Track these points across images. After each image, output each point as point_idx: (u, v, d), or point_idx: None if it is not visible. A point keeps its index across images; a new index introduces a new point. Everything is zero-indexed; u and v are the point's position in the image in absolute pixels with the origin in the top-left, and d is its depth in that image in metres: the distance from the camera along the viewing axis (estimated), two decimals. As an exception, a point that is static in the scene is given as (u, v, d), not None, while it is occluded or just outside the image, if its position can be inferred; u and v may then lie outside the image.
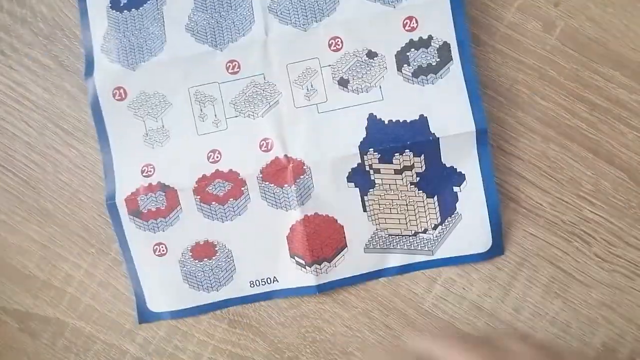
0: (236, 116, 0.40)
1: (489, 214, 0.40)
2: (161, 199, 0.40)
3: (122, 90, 0.41)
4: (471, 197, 0.40)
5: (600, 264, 0.40)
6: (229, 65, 0.40)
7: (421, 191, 0.40)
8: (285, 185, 0.40)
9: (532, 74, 0.40)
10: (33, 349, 0.43)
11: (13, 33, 0.42)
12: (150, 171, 0.41)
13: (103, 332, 0.43)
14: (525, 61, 0.40)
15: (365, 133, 0.39)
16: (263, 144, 0.40)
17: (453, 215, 0.40)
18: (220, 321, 0.42)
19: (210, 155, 0.41)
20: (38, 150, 0.43)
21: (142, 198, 0.40)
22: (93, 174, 0.43)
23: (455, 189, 0.40)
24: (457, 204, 0.40)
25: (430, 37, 0.39)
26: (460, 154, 0.39)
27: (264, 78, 0.40)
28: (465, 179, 0.40)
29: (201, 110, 0.41)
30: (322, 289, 0.41)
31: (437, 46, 0.39)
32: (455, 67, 0.39)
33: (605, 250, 0.40)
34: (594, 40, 0.39)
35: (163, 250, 0.41)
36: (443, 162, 0.39)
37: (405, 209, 0.40)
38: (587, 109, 0.40)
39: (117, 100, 0.41)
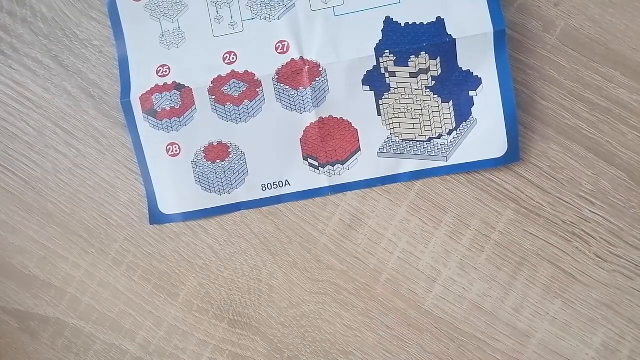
0: (252, 19, 0.41)
1: (505, 119, 0.39)
2: (176, 98, 0.41)
3: None
4: (487, 101, 0.39)
5: (600, 264, 0.40)
6: None
7: (436, 95, 0.40)
8: (301, 88, 0.40)
9: (532, 74, 0.40)
10: (33, 349, 0.43)
11: (13, 33, 0.43)
12: (166, 72, 0.41)
13: (103, 332, 0.43)
14: (525, 61, 0.40)
15: (381, 35, 0.39)
16: (279, 46, 0.40)
17: (468, 120, 0.40)
18: (221, 321, 0.42)
19: (226, 56, 0.41)
20: (38, 150, 0.43)
21: (157, 97, 0.41)
22: (93, 174, 0.43)
23: (472, 93, 0.39)
24: (472, 109, 0.40)
25: None
26: (477, 56, 0.39)
27: None
28: (481, 82, 0.39)
29: (217, 12, 0.41)
30: (335, 190, 0.41)
31: None
32: None
33: (605, 250, 0.40)
34: (594, 40, 0.39)
35: (176, 151, 0.41)
36: (459, 66, 0.39)
37: (420, 114, 0.40)
38: (587, 109, 0.40)
39: (133, 0, 0.41)
